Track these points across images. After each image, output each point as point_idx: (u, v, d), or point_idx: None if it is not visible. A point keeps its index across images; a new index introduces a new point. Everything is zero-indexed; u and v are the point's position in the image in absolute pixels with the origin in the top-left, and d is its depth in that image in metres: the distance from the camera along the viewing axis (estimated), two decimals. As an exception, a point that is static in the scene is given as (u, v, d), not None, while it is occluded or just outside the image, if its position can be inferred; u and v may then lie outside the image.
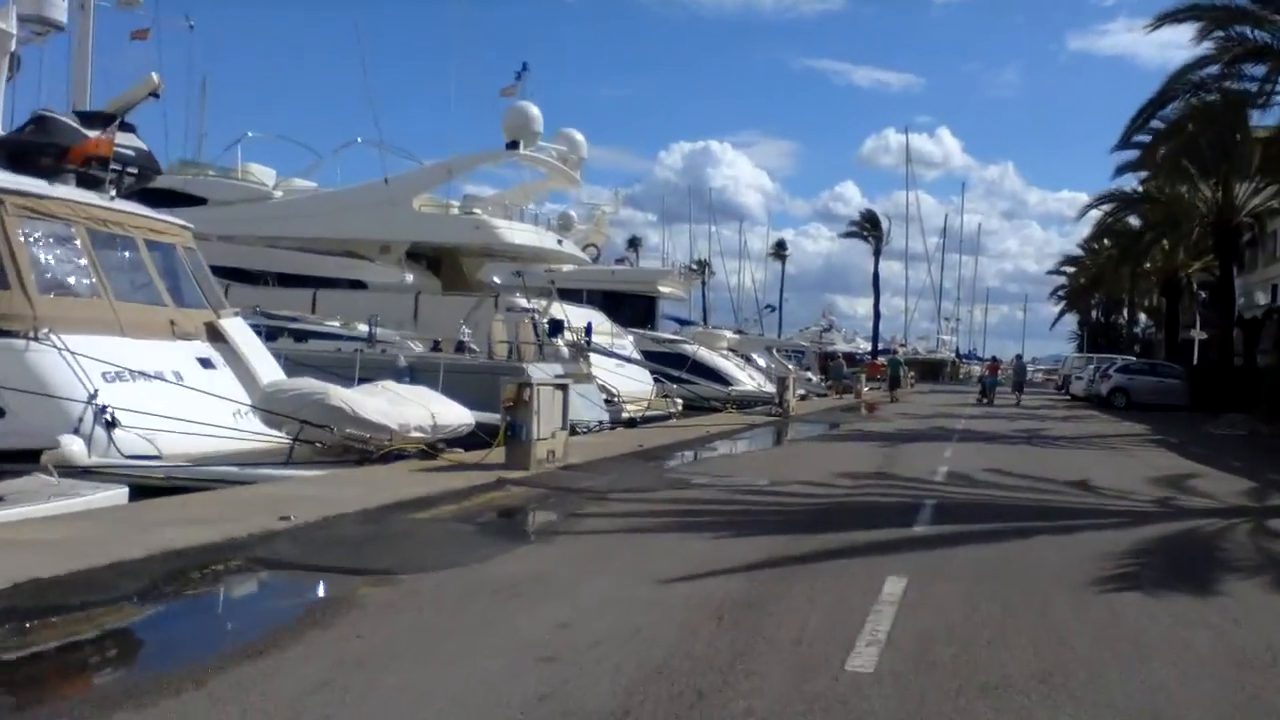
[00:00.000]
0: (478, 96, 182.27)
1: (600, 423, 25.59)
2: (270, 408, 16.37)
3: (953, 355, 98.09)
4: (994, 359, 67.86)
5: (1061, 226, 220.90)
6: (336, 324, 30.69)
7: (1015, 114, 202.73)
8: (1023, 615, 7.26)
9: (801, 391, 52.86)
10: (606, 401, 30.95)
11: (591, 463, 16.35)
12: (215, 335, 18.43)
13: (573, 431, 24.36)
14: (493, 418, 16.22)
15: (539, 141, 38.86)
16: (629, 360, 33.87)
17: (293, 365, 23.76)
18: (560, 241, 39.04)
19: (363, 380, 19.56)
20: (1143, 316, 75.22)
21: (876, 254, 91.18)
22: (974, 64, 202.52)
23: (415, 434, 16.84)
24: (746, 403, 37.13)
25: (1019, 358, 61.37)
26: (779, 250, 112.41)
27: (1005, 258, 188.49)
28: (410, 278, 35.79)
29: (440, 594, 7.47)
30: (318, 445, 16.09)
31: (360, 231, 36.80)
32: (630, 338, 38.78)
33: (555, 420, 15.90)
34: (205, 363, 17.60)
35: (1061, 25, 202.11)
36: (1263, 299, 48.05)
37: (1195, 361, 51.27)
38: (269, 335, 29.10)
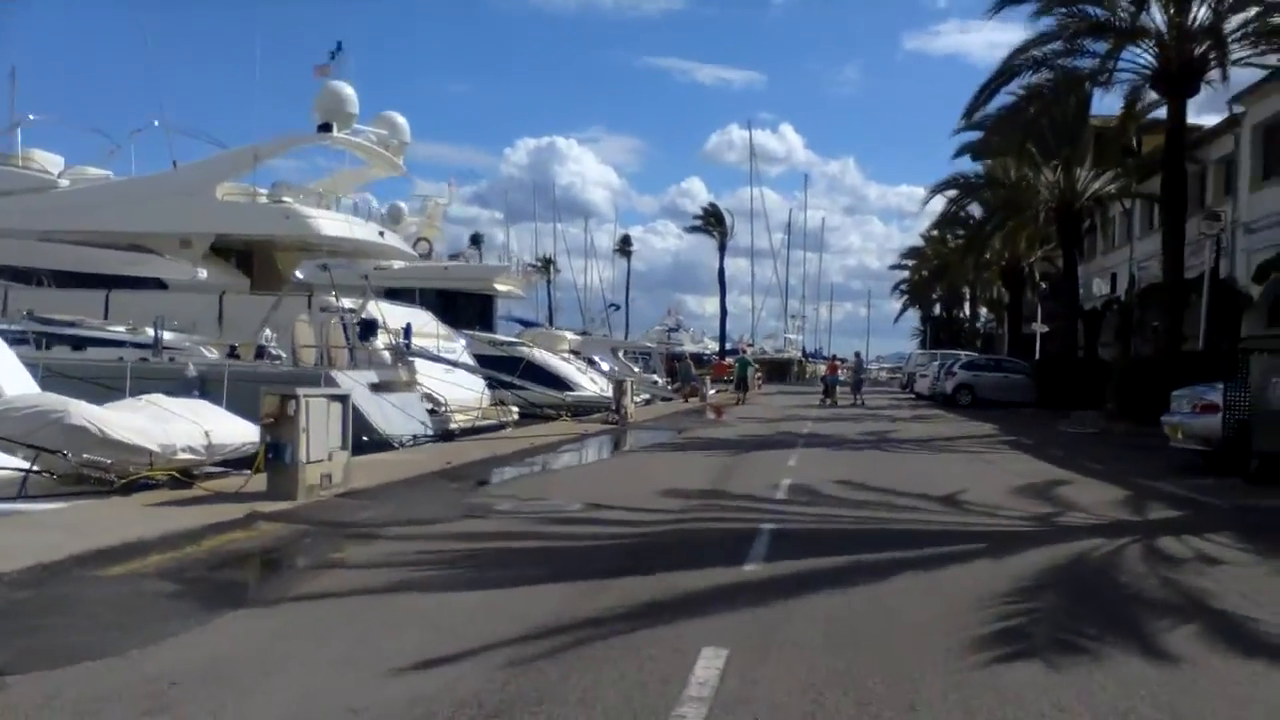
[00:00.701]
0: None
1: (416, 437, 23.10)
2: (-5, 430, 13.51)
3: (799, 354, 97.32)
4: (833, 358, 66.97)
5: (902, 221, 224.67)
6: (122, 329, 27.46)
7: (855, 111, 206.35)
8: (884, 711, 5.09)
9: (645, 395, 51.04)
10: (431, 411, 28.69)
11: (380, 488, 13.92)
12: (-56, 345, 15.61)
13: (387, 447, 22.01)
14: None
15: (355, 125, 36.01)
16: (456, 365, 31.32)
17: (54, 377, 20.83)
18: (382, 234, 36.15)
19: (143, 394, 16.71)
20: (984, 310, 75.22)
21: (721, 249, 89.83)
22: (814, 62, 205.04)
23: (184, 456, 14.29)
24: (584, 409, 34.96)
25: (857, 355, 60.35)
26: (624, 246, 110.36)
27: (849, 253, 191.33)
28: (203, 274, 32.48)
29: (48, 710, 5.00)
30: (49, 475, 13.37)
31: (156, 224, 33.36)
32: (462, 340, 36.22)
33: (333, 438, 13.37)
34: (-70, 378, 14.77)
35: (897, 25, 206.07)
36: (1103, 288, 47.59)
37: (1038, 355, 50.69)
38: (42, 344, 25.90)
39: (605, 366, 52.99)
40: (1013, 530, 11.28)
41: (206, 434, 14.53)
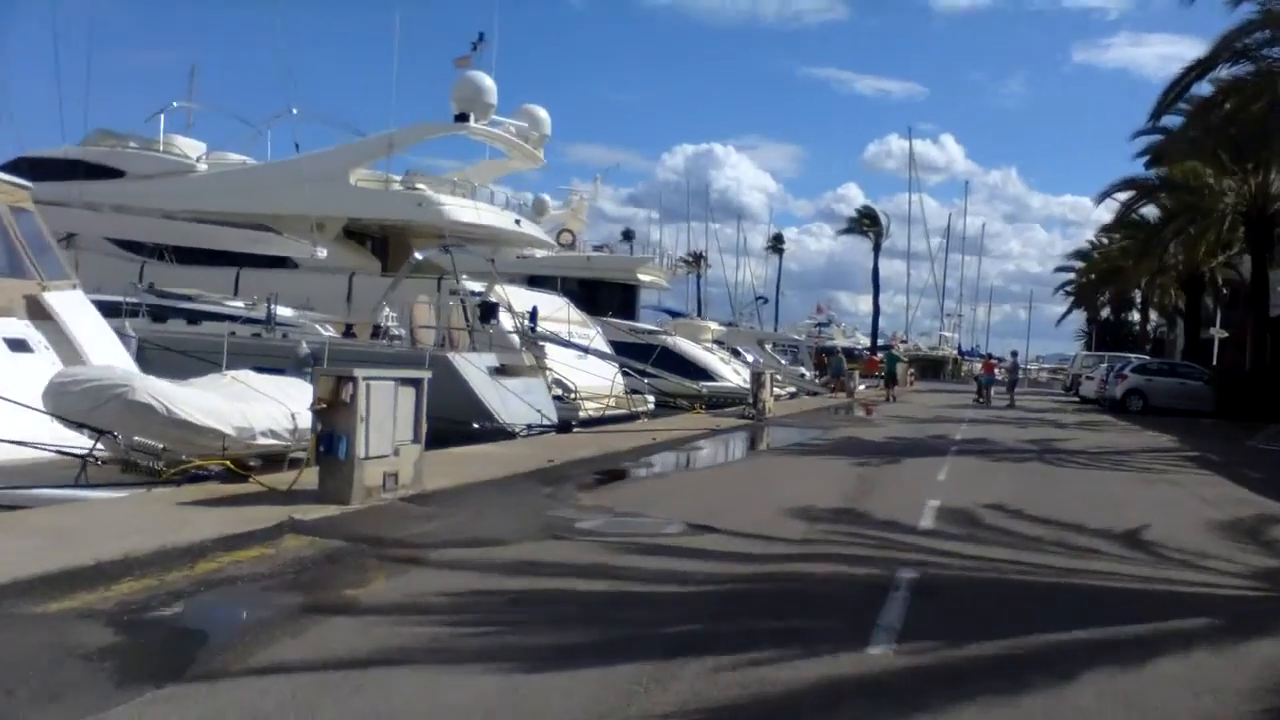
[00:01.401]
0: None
1: (532, 426, 21.24)
2: (54, 406, 11.84)
3: (955, 352, 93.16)
4: (989, 356, 63.23)
5: (1065, 229, 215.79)
6: (240, 305, 26.21)
7: (1019, 122, 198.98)
8: None
9: (790, 389, 48.52)
10: (560, 398, 26.74)
11: (456, 490, 11.88)
12: (39, 312, 14.21)
13: (503, 435, 20.15)
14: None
15: (493, 115, 34.38)
16: (588, 351, 29.39)
17: (153, 350, 19.50)
18: (519, 222, 34.45)
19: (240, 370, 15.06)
20: (1153, 314, 70.31)
21: (876, 249, 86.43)
22: (978, 73, 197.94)
23: (264, 441, 12.57)
24: (722, 401, 32.62)
25: (1014, 354, 56.50)
26: (776, 244, 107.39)
27: (1008, 259, 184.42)
28: (323, 251, 31.28)
29: None
30: (97, 460, 11.71)
31: (290, 206, 32.40)
32: (596, 328, 34.32)
33: (402, 431, 11.31)
34: (16, 344, 13.37)
35: (1066, 37, 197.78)
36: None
37: (1215, 363, 46.55)
38: (155, 316, 24.77)
39: (750, 358, 50.70)
40: (1233, 595, 8.60)
41: (293, 416, 12.66)
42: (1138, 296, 70.22)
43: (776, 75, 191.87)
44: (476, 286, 28.74)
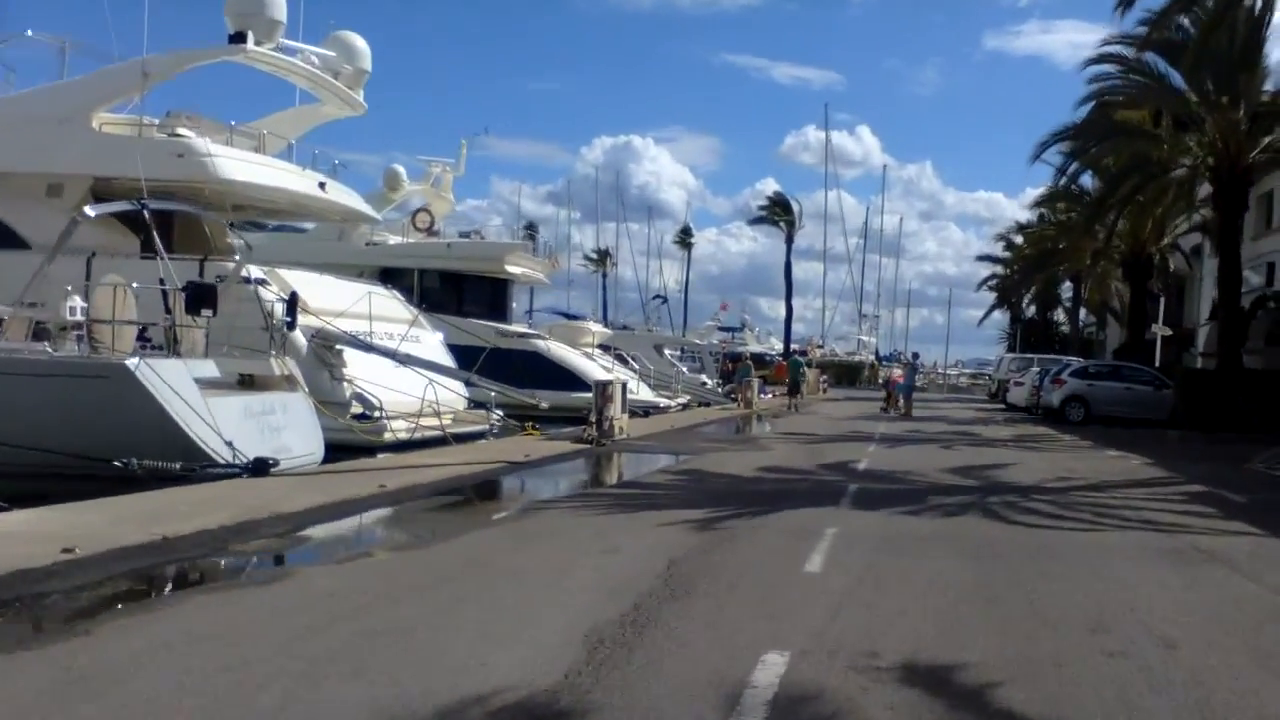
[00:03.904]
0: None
1: (236, 463, 13.67)
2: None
3: (872, 357, 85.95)
4: (900, 358, 56.56)
5: (979, 228, 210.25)
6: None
7: (933, 111, 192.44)
8: None
9: (683, 399, 41.00)
10: (360, 416, 20.22)
11: None
12: None
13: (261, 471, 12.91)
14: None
15: (282, 38, 26.01)
16: (393, 357, 21.71)
17: None
18: (324, 185, 26.08)
19: None
20: (1083, 313, 63.40)
21: (789, 241, 78.47)
22: (893, 60, 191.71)
23: None
24: (585, 416, 24.86)
25: (915, 356, 49.10)
26: (684, 238, 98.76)
27: (924, 259, 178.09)
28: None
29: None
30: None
31: (10, 159, 23.73)
32: (432, 328, 26.69)
33: None
34: None
35: (978, 25, 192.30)
36: (1254, 280, 35.94)
37: (1158, 364, 39.52)
38: None
39: (648, 366, 43.11)
40: None
41: None
42: (1065, 293, 63.47)
43: (694, 63, 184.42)
44: (256, 271, 21.21)
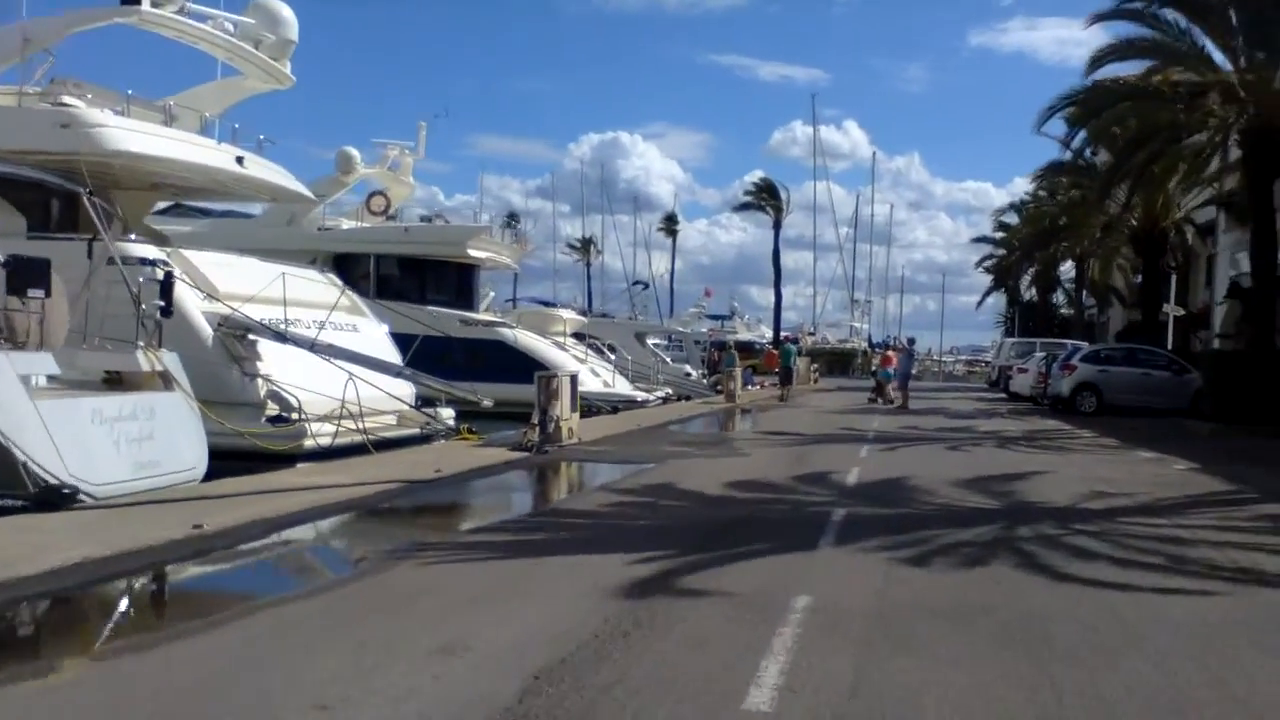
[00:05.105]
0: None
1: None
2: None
3: (865, 345, 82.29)
4: (886, 345, 53.05)
5: (969, 216, 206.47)
6: None
7: (920, 107, 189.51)
8: None
9: (663, 393, 37.57)
10: (277, 419, 17.13)
11: None
12: None
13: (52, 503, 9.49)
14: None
15: (187, 2, 22.60)
16: (310, 347, 18.35)
17: None
18: (241, 160, 22.54)
19: None
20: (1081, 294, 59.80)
21: (776, 227, 74.89)
22: (879, 58, 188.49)
23: None
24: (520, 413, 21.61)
25: (910, 342, 45.48)
26: (670, 225, 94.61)
27: (915, 247, 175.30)
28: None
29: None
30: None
31: None
32: (372, 319, 23.35)
33: None
34: None
35: (962, 22, 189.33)
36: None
37: (1170, 346, 36.07)
38: None
39: (614, 356, 39.60)
40: None
41: None
42: (1065, 274, 59.90)
43: (680, 62, 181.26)
44: (147, 252, 17.87)
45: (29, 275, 12.85)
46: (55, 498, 10.03)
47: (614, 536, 9.43)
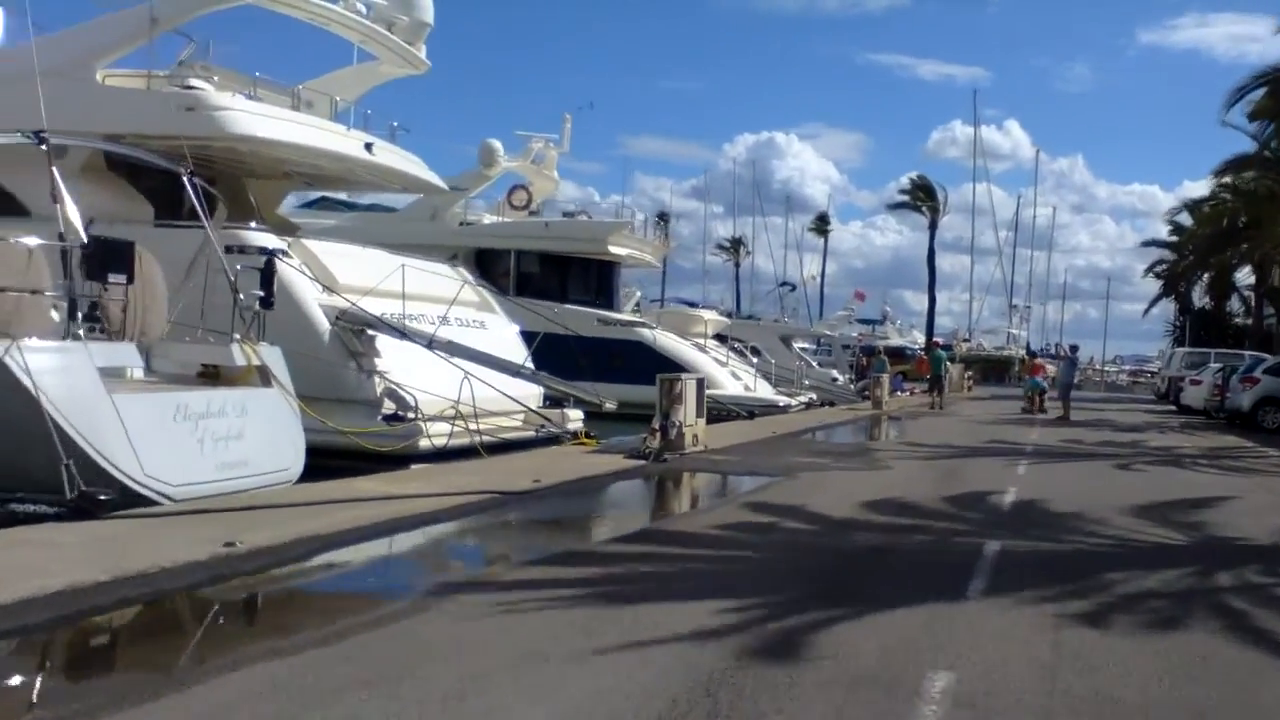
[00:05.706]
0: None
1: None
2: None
3: (1023, 352, 78.30)
4: (1033, 354, 49.89)
5: (1134, 220, 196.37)
6: None
7: (1084, 107, 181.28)
8: None
9: (806, 398, 35.64)
10: (393, 418, 16.09)
11: None
12: None
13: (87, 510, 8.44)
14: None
15: None
16: (428, 344, 17.24)
17: None
18: (370, 147, 21.64)
19: None
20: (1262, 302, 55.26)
21: (932, 228, 71.70)
22: (1041, 58, 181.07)
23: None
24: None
25: (1073, 349, 42.28)
26: (821, 225, 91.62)
27: (1077, 252, 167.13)
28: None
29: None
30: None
31: (10, 123, 19.95)
32: (500, 312, 22.33)
33: None
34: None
35: (1130, 20, 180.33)
36: None
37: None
38: None
39: (757, 360, 37.77)
40: None
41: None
42: (1242, 280, 55.44)
43: (837, 61, 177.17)
44: (262, 239, 17.16)
45: (109, 259, 11.90)
46: (89, 504, 8.86)
47: (709, 575, 7.81)
